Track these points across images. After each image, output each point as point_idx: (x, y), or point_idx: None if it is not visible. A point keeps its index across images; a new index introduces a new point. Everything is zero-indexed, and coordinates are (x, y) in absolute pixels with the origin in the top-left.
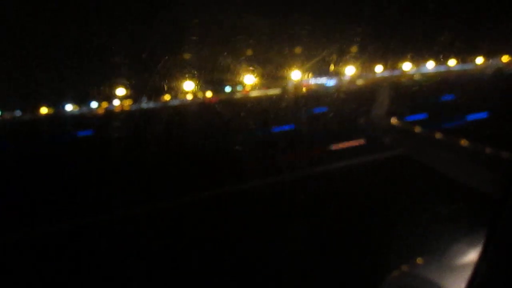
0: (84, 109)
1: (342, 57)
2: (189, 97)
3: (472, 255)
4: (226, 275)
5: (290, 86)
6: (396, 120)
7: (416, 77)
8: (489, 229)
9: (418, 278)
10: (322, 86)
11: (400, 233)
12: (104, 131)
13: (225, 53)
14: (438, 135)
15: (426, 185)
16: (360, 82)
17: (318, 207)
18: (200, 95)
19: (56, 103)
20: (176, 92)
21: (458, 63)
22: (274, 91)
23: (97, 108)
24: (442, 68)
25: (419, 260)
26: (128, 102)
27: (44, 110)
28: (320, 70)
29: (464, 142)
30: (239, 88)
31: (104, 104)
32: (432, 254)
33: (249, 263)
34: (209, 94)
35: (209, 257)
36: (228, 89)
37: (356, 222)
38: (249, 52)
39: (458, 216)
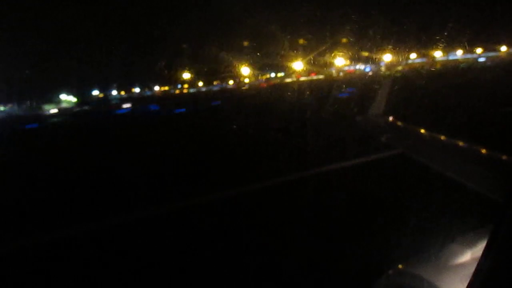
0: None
1: (379, 46)
2: (248, 81)
3: (467, 255)
4: None
5: (334, 71)
6: (393, 118)
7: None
8: (493, 227)
9: (413, 277)
10: (361, 71)
11: (396, 231)
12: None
13: (279, 43)
14: (435, 134)
15: (421, 183)
16: (395, 68)
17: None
18: (256, 79)
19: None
20: (236, 77)
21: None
22: (321, 76)
23: (174, 89)
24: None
25: (414, 259)
26: (186, 86)
27: (136, 90)
28: (360, 57)
29: (461, 142)
30: (286, 74)
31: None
32: (427, 253)
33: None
34: (264, 78)
35: None
36: (281, 74)
37: (351, 220)
38: (301, 41)
39: (454, 215)
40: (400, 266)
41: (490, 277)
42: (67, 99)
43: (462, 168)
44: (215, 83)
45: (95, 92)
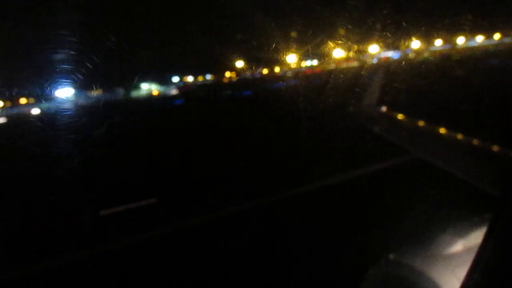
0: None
1: (408, 33)
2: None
3: (458, 245)
4: None
5: (367, 59)
6: (386, 109)
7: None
8: (491, 219)
9: (404, 266)
10: (390, 58)
11: (386, 221)
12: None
13: (322, 32)
14: (427, 126)
15: (413, 174)
16: (423, 54)
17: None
18: (300, 66)
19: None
20: (282, 64)
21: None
22: (356, 63)
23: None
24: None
25: (405, 249)
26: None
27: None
28: (389, 44)
29: (452, 133)
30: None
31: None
32: (418, 243)
33: None
34: (307, 65)
35: None
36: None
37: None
38: (341, 32)
39: (444, 206)
40: (391, 255)
41: (490, 269)
42: (149, 86)
43: (453, 160)
44: (265, 70)
45: (175, 79)
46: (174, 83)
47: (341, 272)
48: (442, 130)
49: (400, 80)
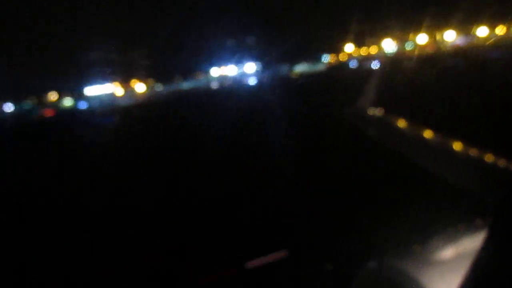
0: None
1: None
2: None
3: (449, 251)
4: None
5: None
6: (381, 112)
7: None
8: (490, 226)
9: (395, 270)
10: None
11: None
12: None
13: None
14: (421, 131)
15: (406, 180)
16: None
17: None
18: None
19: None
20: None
21: None
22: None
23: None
24: None
25: (395, 253)
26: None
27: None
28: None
29: (450, 141)
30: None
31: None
32: (408, 247)
33: None
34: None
35: None
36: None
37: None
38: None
39: (437, 212)
40: (380, 259)
41: (489, 273)
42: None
43: (446, 166)
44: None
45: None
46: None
47: (332, 273)
48: (439, 136)
49: (407, 79)
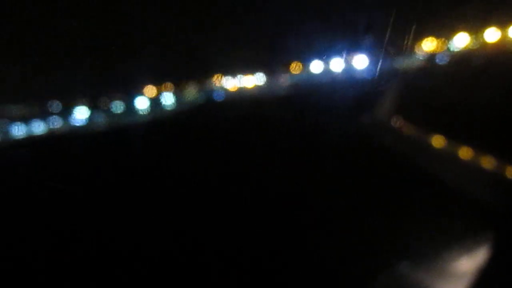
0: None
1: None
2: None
3: (462, 264)
4: None
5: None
6: (400, 121)
7: None
8: (496, 237)
9: (407, 279)
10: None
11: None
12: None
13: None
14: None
15: (420, 190)
16: None
17: None
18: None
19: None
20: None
21: None
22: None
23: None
24: None
25: (407, 262)
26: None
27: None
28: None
29: (465, 151)
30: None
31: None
32: (422, 258)
33: None
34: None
35: None
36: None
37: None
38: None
39: (453, 224)
40: (393, 267)
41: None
42: None
43: (462, 178)
44: None
45: None
46: None
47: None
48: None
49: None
